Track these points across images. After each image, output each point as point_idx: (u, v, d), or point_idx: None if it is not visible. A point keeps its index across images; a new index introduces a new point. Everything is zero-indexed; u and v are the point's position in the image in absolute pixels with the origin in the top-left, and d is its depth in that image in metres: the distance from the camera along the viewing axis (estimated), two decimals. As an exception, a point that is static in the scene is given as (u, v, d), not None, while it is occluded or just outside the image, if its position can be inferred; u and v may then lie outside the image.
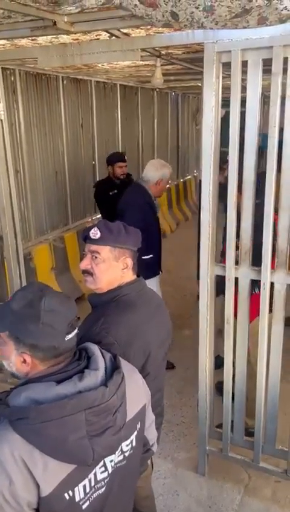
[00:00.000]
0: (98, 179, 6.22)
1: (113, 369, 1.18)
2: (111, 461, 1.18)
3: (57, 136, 5.30)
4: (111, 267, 1.54)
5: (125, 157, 4.70)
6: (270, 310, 2.27)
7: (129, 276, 1.59)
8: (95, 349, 1.20)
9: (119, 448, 1.20)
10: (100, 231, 1.52)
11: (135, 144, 7.28)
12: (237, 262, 2.29)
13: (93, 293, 1.62)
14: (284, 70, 1.97)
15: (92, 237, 1.53)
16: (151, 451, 1.44)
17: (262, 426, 2.44)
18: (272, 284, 2.22)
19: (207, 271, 2.34)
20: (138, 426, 1.28)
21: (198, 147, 8.85)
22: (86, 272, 1.57)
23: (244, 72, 2.06)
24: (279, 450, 2.49)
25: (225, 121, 2.14)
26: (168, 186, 5.27)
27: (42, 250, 4.99)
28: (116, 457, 1.19)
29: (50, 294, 1.14)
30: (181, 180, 9.65)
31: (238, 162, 2.12)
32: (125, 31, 2.60)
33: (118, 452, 1.20)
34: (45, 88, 5.02)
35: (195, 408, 3.04)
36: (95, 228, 1.53)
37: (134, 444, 1.25)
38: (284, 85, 2.00)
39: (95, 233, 1.52)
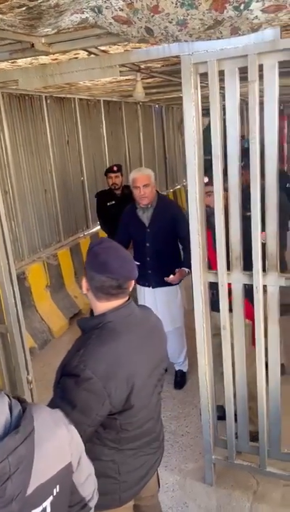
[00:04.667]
0: (87, 194, 6.28)
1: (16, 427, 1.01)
2: None
3: (44, 155, 5.34)
4: (85, 285, 1.55)
5: (116, 168, 4.75)
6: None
7: (95, 301, 1.52)
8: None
9: None
10: None
11: (122, 157, 7.34)
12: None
13: (83, 317, 1.63)
14: (260, 77, 2.01)
15: None
16: (88, 506, 1.28)
17: (266, 430, 2.43)
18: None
19: (199, 278, 2.35)
20: (56, 491, 1.10)
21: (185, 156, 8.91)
22: None
23: (222, 80, 2.10)
24: (285, 453, 2.47)
25: (208, 129, 2.18)
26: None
27: (36, 269, 4.98)
28: None
29: None
30: (171, 190, 9.71)
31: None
32: (103, 48, 2.65)
33: None
34: (29, 108, 5.07)
35: (199, 417, 3.03)
36: None
37: (48, 511, 1.08)
38: (261, 91, 2.04)
39: None
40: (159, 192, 3.69)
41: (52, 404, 1.34)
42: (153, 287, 3.49)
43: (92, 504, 1.30)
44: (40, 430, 1.05)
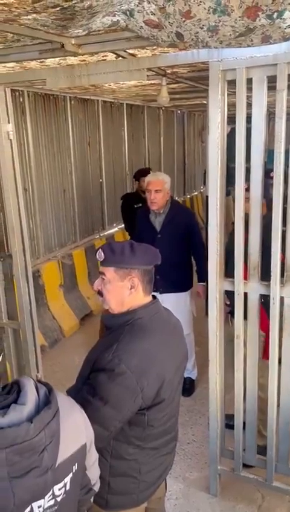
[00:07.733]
0: (105, 196, 6.30)
1: (45, 404, 1.08)
2: (40, 507, 1.07)
3: (65, 155, 5.38)
4: (117, 288, 1.53)
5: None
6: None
7: (140, 297, 1.56)
8: (27, 383, 1.10)
9: (51, 491, 1.09)
10: (104, 253, 1.54)
11: (142, 162, 7.36)
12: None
13: (107, 314, 1.62)
14: (289, 87, 1.99)
15: (98, 259, 1.55)
16: (93, 490, 1.34)
17: (275, 444, 2.39)
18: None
19: (215, 286, 2.33)
20: (75, 468, 1.17)
21: (204, 163, 8.91)
22: (99, 293, 1.59)
23: (249, 89, 2.09)
24: (293, 469, 2.43)
25: (230, 137, 2.17)
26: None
27: (50, 267, 5.01)
28: (46, 502, 1.08)
29: None
30: (188, 196, 9.70)
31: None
32: (131, 51, 2.66)
33: (48, 496, 1.08)
34: (53, 108, 5.12)
35: (206, 426, 3.00)
36: (100, 250, 1.55)
37: (68, 487, 1.14)
38: (289, 101, 2.02)
39: (100, 255, 1.54)
40: (174, 198, 3.67)
41: (80, 400, 1.34)
42: (161, 293, 3.48)
43: (96, 488, 1.37)
44: (60, 410, 1.11)
